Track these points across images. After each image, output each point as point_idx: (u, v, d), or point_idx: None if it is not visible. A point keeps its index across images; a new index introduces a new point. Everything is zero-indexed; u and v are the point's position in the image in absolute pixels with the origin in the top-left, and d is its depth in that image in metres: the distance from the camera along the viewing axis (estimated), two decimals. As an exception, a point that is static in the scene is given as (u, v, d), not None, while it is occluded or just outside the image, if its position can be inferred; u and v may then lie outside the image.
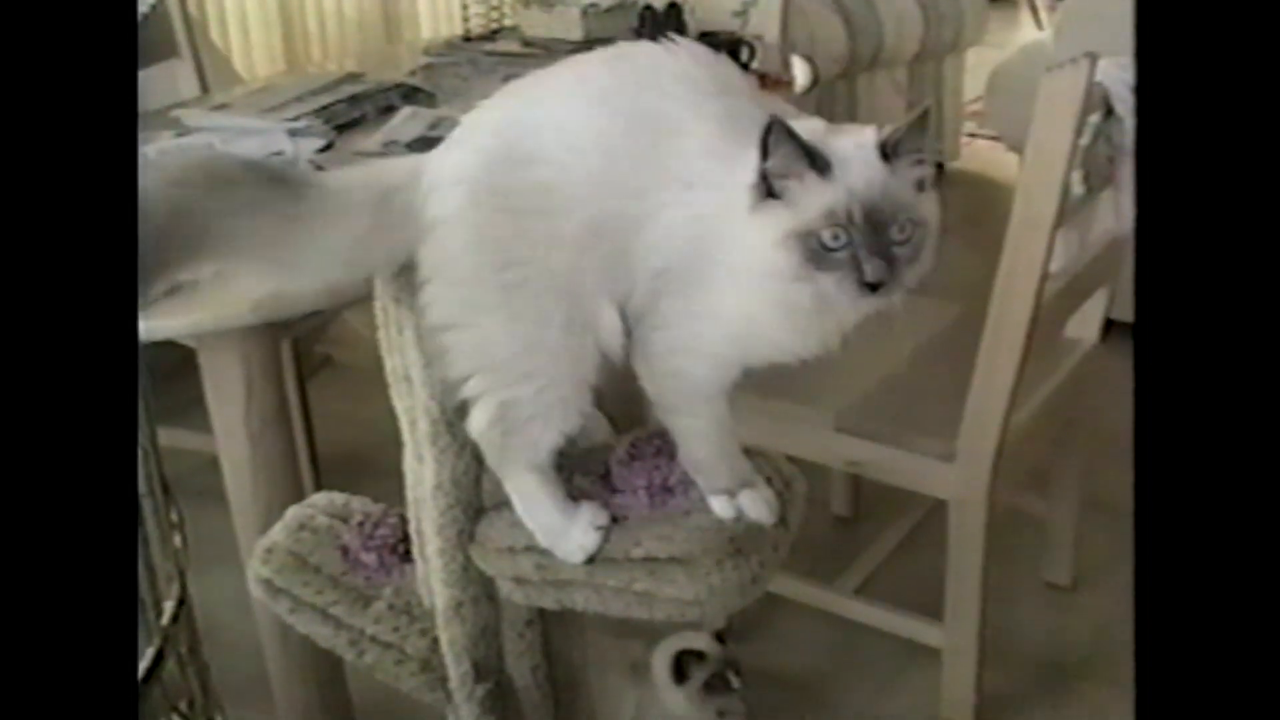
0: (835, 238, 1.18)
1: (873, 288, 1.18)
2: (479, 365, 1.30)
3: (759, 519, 1.33)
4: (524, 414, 1.30)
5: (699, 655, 2.25)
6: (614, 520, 1.34)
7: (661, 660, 2.26)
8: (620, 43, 1.32)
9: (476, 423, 1.32)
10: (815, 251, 1.18)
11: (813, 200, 1.18)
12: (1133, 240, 2.26)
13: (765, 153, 1.18)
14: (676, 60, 1.26)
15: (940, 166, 5.00)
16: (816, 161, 1.18)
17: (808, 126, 1.22)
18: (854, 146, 1.20)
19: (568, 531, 1.34)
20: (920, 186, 1.21)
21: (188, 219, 1.19)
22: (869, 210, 1.18)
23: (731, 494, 1.35)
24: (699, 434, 1.34)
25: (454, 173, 1.26)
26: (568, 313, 1.26)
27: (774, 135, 1.17)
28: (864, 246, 1.18)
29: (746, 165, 1.20)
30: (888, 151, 1.19)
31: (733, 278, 1.24)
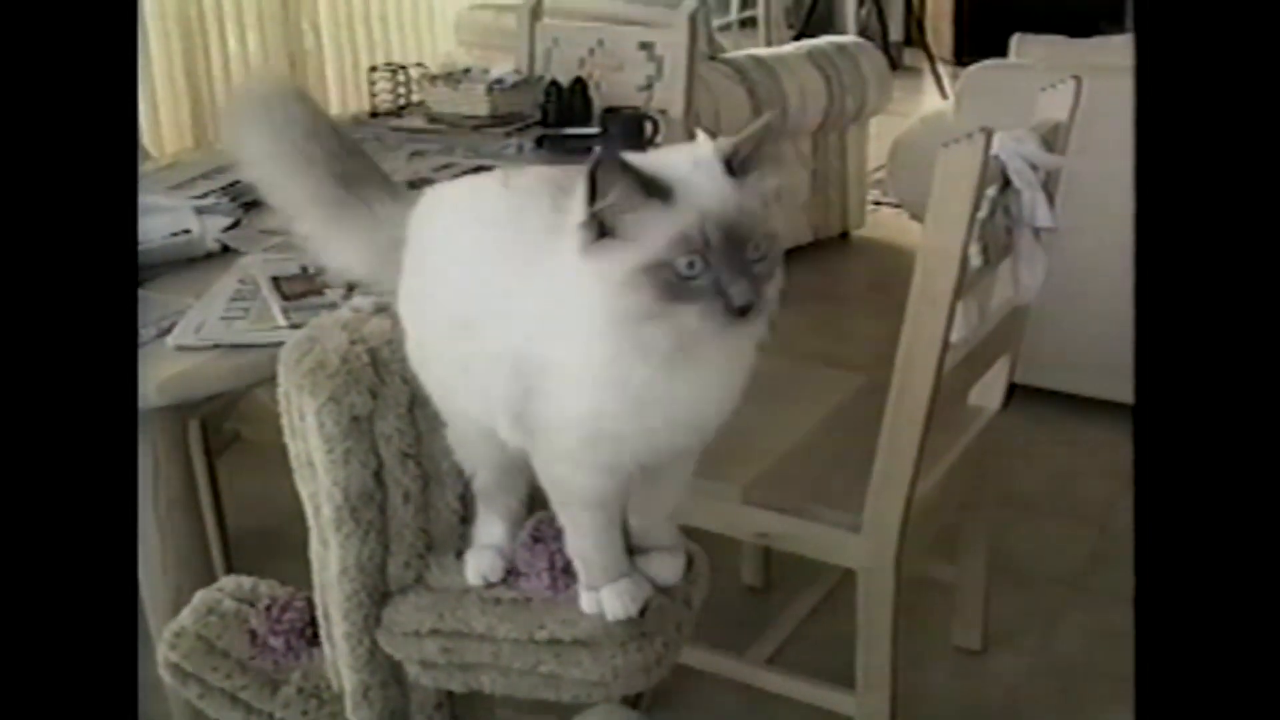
0: (691, 265, 1.08)
1: (742, 311, 1.09)
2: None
3: (613, 615, 1.29)
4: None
5: (613, 732, 2.25)
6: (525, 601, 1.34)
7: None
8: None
9: None
10: (670, 284, 1.08)
11: (659, 229, 1.09)
12: (1032, 310, 2.30)
13: (595, 193, 1.08)
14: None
15: (845, 234, 5.07)
16: (656, 188, 1.09)
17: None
18: (693, 165, 1.12)
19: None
20: (767, 199, 1.13)
21: None
22: (726, 230, 1.09)
23: (597, 589, 1.30)
24: (579, 533, 1.29)
25: None
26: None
27: (604, 171, 1.08)
28: (725, 270, 1.09)
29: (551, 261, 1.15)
30: (734, 166, 1.12)
31: (564, 376, 1.17)
